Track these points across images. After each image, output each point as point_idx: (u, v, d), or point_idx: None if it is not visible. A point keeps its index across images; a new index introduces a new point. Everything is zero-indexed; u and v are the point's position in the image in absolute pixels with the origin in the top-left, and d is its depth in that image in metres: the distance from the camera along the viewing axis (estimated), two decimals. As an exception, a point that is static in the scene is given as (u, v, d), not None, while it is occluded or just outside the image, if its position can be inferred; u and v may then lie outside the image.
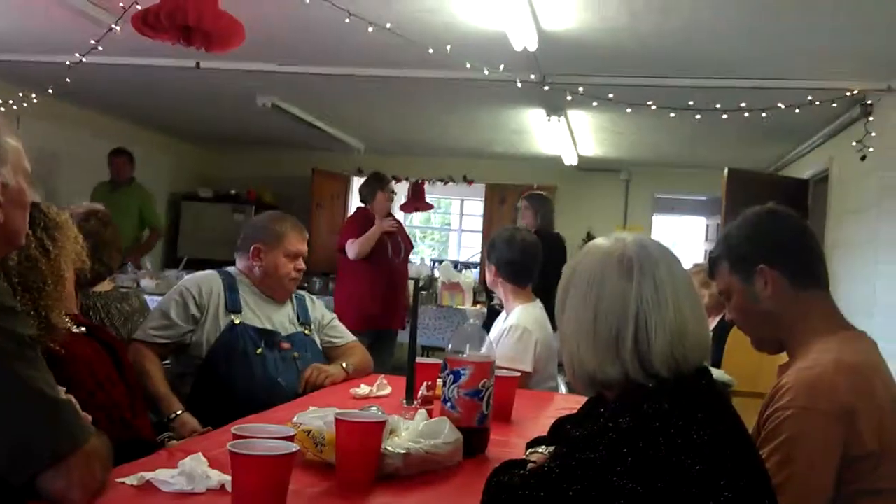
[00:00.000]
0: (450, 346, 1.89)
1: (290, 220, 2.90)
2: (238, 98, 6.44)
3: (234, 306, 2.70)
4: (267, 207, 7.76)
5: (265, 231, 2.84)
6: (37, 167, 1.48)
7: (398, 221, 5.75)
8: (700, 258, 8.90)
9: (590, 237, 8.28)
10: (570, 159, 7.98)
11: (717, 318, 3.65)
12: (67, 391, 1.41)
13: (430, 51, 4.25)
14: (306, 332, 2.85)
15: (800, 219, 1.80)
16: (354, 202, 9.36)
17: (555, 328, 2.59)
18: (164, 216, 8.29)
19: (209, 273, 2.83)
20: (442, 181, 9.22)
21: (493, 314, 3.64)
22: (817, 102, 4.86)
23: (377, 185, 5.42)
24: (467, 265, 8.65)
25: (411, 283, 5.16)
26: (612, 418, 1.21)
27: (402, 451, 1.63)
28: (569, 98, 5.13)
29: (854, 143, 4.99)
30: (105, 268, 2.75)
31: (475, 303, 6.41)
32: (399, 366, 3.41)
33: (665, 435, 1.17)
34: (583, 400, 1.60)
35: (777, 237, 1.75)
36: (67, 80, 4.85)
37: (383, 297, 5.27)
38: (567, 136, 6.97)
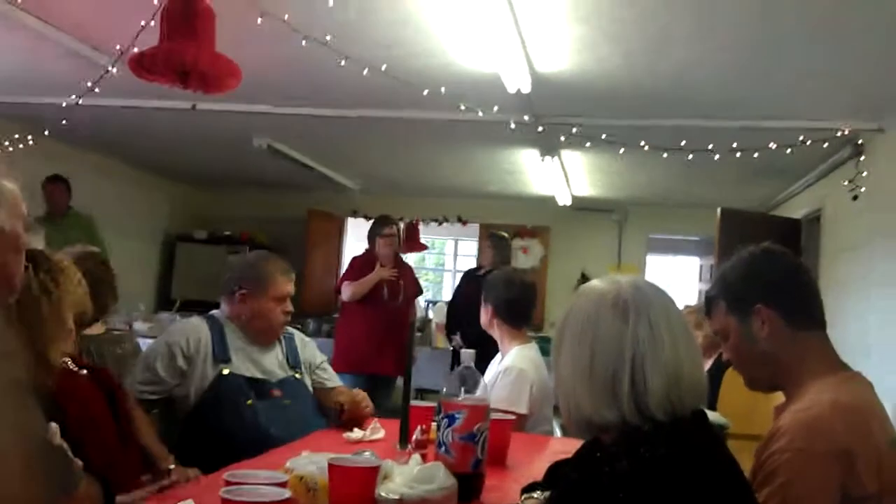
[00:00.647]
0: (444, 388, 1.87)
1: (274, 262, 2.83)
2: (234, 139, 6.47)
3: (223, 355, 2.65)
4: (261, 249, 7.74)
5: (250, 274, 2.78)
6: (32, 206, 1.48)
7: (408, 266, 5.78)
8: (694, 299, 8.89)
9: (584, 277, 8.28)
10: (564, 199, 8.01)
11: (712, 359, 3.63)
12: (61, 430, 1.39)
13: (425, 92, 4.27)
14: (297, 375, 2.81)
15: (795, 257, 1.80)
16: (349, 243, 9.40)
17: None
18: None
19: (195, 321, 2.77)
20: (436, 221, 9.22)
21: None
22: (809, 142, 4.90)
23: (376, 230, 5.45)
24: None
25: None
26: (609, 462, 1.21)
27: (396, 497, 1.61)
28: (562, 139, 5.16)
29: (846, 183, 5.03)
30: (100, 310, 2.72)
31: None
32: (393, 408, 3.38)
33: (662, 480, 1.16)
34: (578, 444, 1.58)
35: (773, 276, 1.75)
36: (64, 121, 4.87)
37: (379, 341, 5.23)
38: (561, 176, 6.99)
